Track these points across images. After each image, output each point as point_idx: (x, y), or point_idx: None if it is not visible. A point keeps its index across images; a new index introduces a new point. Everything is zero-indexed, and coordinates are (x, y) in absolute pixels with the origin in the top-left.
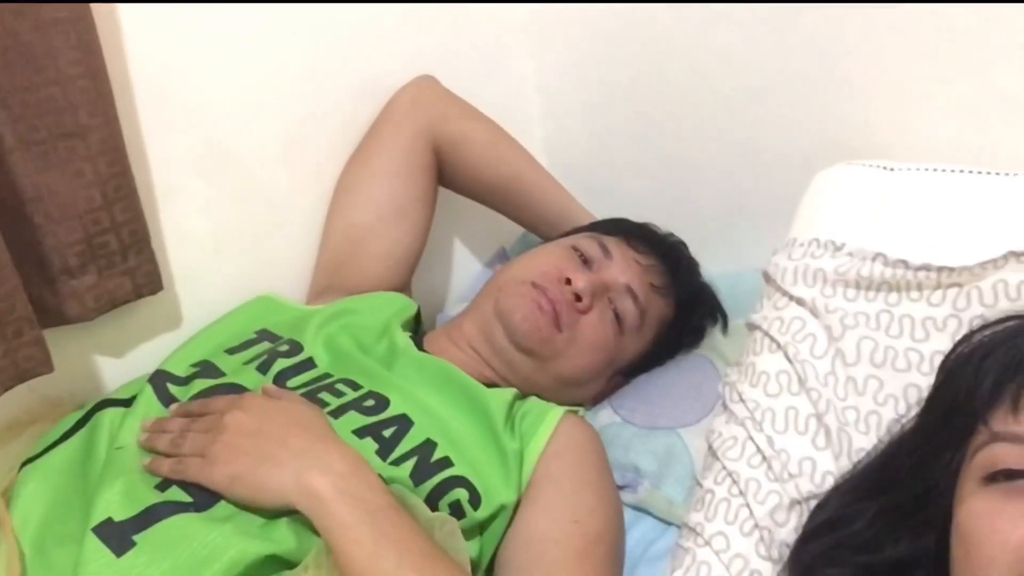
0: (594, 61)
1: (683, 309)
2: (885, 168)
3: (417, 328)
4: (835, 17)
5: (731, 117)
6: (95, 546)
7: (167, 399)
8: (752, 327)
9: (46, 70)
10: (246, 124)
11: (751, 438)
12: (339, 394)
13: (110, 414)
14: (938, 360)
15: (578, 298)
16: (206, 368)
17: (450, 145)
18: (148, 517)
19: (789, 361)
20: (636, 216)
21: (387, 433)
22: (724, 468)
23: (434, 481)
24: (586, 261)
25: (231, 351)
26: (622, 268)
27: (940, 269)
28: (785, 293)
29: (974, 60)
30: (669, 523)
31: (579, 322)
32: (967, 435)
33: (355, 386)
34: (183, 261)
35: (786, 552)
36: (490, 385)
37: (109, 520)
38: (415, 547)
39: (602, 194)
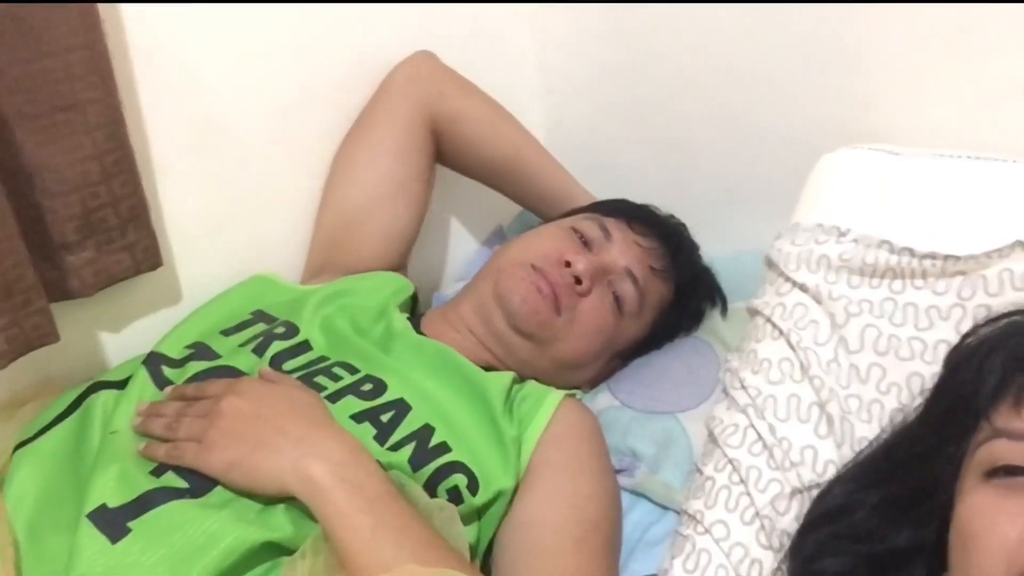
0: (595, 39)
1: (683, 292)
2: (890, 153)
3: (414, 309)
4: None
5: (733, 98)
6: (90, 532)
7: (162, 381)
8: (754, 312)
9: (43, 42)
10: (241, 101)
11: (752, 426)
12: (336, 378)
13: (103, 396)
14: (942, 349)
15: (578, 281)
16: (201, 350)
17: (448, 122)
18: (143, 503)
19: (791, 348)
20: (635, 196)
21: (385, 418)
22: (725, 455)
23: (432, 467)
24: (586, 243)
25: (226, 332)
26: (622, 250)
27: (946, 257)
28: (788, 279)
29: (981, 45)
30: (666, 507)
31: (578, 305)
32: (970, 430)
33: (352, 370)
34: (178, 239)
35: (787, 541)
36: (488, 368)
37: (104, 506)
38: (414, 534)
39: (601, 174)
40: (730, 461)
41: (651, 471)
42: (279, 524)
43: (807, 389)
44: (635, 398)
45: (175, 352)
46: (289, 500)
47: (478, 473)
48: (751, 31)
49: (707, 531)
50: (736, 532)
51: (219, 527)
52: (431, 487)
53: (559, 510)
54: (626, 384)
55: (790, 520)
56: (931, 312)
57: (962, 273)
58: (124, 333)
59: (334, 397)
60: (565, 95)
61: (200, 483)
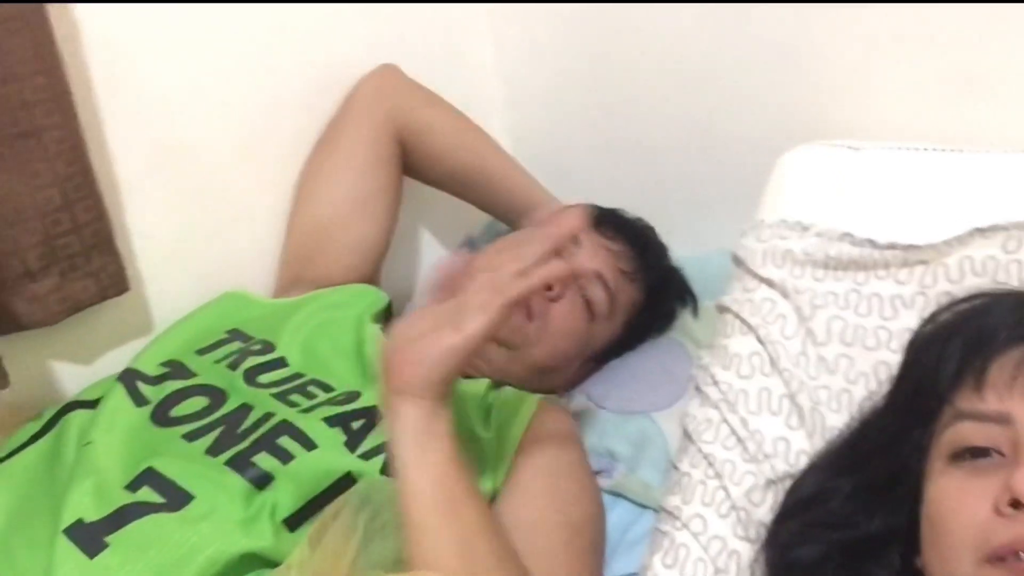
0: (555, 46)
1: (653, 293)
2: (849, 148)
3: (388, 320)
4: None
5: (692, 100)
6: (66, 548)
7: (139, 398)
8: (723, 309)
9: None
10: (204, 118)
11: (725, 420)
12: (311, 396)
13: (78, 416)
14: (907, 337)
15: (548, 287)
16: (176, 369)
17: (414, 134)
18: (120, 518)
19: (760, 343)
20: (601, 201)
21: (355, 425)
22: (699, 451)
23: None
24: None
25: (201, 351)
26: (591, 255)
27: (907, 247)
28: (755, 275)
29: (935, 37)
30: (645, 507)
31: (550, 310)
32: (934, 414)
33: (327, 388)
34: (145, 260)
35: (763, 532)
36: (464, 376)
37: (80, 521)
38: None
39: (566, 180)
40: (705, 456)
41: (629, 471)
42: (260, 533)
43: (777, 382)
44: (610, 399)
45: (150, 369)
46: (269, 510)
47: None
48: (709, 34)
49: (685, 526)
50: (713, 525)
51: (198, 539)
52: None
53: (547, 513)
54: (601, 386)
55: (765, 511)
56: (895, 301)
57: (923, 262)
58: (92, 360)
59: (308, 410)
60: (527, 104)
61: (177, 496)
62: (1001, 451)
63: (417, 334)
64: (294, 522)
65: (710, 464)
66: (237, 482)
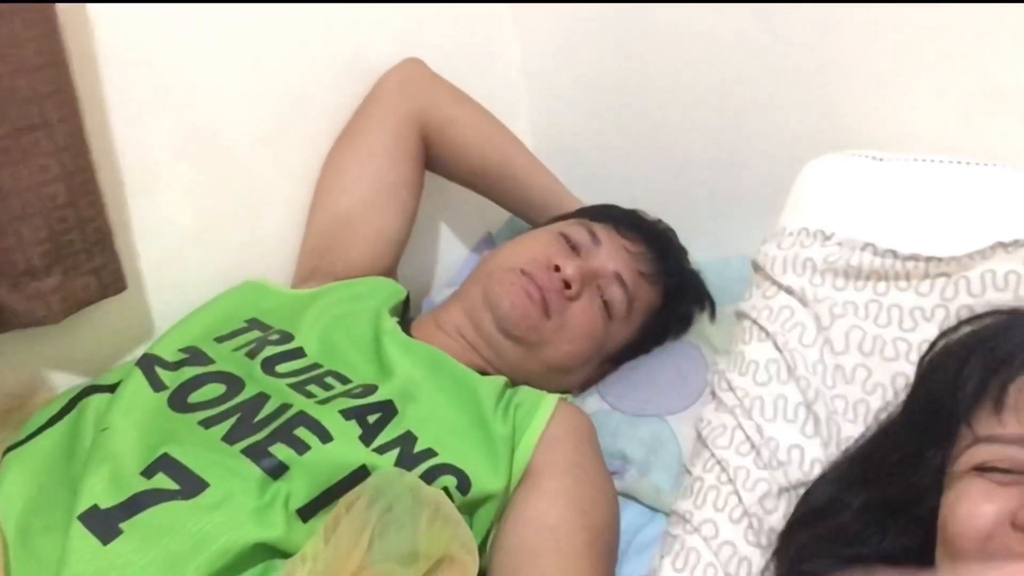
0: (581, 46)
1: (671, 296)
2: (874, 158)
3: (406, 313)
4: (823, 6)
5: (719, 103)
6: (81, 534)
7: (156, 383)
8: (741, 316)
9: (7, 60)
10: (230, 108)
11: (740, 426)
12: (328, 387)
13: (96, 400)
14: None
15: (567, 285)
16: (195, 355)
17: (437, 130)
18: (135, 504)
19: (778, 350)
20: (623, 202)
21: (371, 419)
22: (713, 456)
23: (418, 471)
24: (574, 248)
25: (220, 339)
26: (610, 255)
27: (928, 259)
28: (774, 282)
29: (963, 51)
30: (656, 510)
31: (567, 309)
32: (952, 435)
33: (344, 380)
34: (165, 248)
35: (774, 539)
36: (480, 372)
37: (95, 507)
38: None
39: (589, 180)
40: (718, 461)
41: (640, 474)
42: (273, 523)
43: (793, 390)
44: (624, 401)
45: (169, 355)
46: (283, 500)
47: (469, 472)
48: (738, 38)
49: (696, 530)
50: (725, 531)
51: (211, 528)
52: None
53: (570, 514)
54: (615, 387)
55: (778, 518)
56: (915, 313)
57: (945, 275)
58: (91, 358)
59: (325, 401)
60: (552, 102)
61: (191, 484)
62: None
63: None
64: (307, 513)
65: (723, 469)
66: (252, 471)
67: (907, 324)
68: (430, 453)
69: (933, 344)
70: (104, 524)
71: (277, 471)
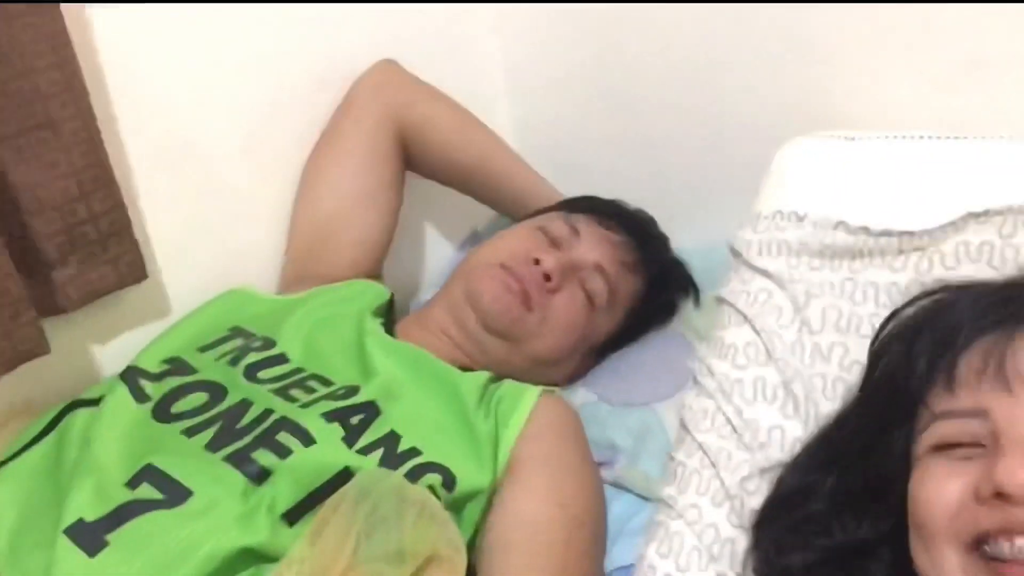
0: (558, 39)
1: (654, 285)
2: (846, 138)
3: (390, 315)
4: None
5: (697, 91)
6: (67, 547)
7: (140, 395)
8: (720, 301)
9: (13, 63)
10: (207, 115)
11: (720, 410)
12: (310, 391)
13: (80, 415)
14: None
15: (547, 278)
16: (177, 365)
17: (416, 130)
18: (119, 516)
19: (756, 333)
20: (604, 193)
21: (354, 420)
22: (695, 440)
23: (403, 471)
24: (554, 241)
25: (203, 349)
26: (591, 246)
27: (901, 234)
28: (751, 266)
29: (933, 26)
30: (647, 498)
31: (550, 302)
32: (911, 415)
33: (326, 383)
34: (151, 256)
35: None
36: (464, 369)
37: (80, 521)
38: None
39: (570, 171)
40: (700, 446)
41: (630, 463)
42: (257, 528)
43: (772, 371)
44: (612, 391)
45: (152, 366)
46: (267, 505)
47: (453, 470)
48: (712, 26)
49: (680, 515)
50: (708, 514)
51: (196, 535)
52: None
53: (548, 508)
54: (602, 378)
55: (760, 499)
56: (891, 289)
57: (919, 249)
58: (110, 346)
59: (307, 405)
60: (531, 95)
61: (176, 492)
62: (981, 444)
63: None
64: (292, 517)
65: (705, 454)
66: (235, 477)
67: (883, 300)
68: (414, 452)
69: (883, 325)
70: (90, 537)
71: (260, 477)
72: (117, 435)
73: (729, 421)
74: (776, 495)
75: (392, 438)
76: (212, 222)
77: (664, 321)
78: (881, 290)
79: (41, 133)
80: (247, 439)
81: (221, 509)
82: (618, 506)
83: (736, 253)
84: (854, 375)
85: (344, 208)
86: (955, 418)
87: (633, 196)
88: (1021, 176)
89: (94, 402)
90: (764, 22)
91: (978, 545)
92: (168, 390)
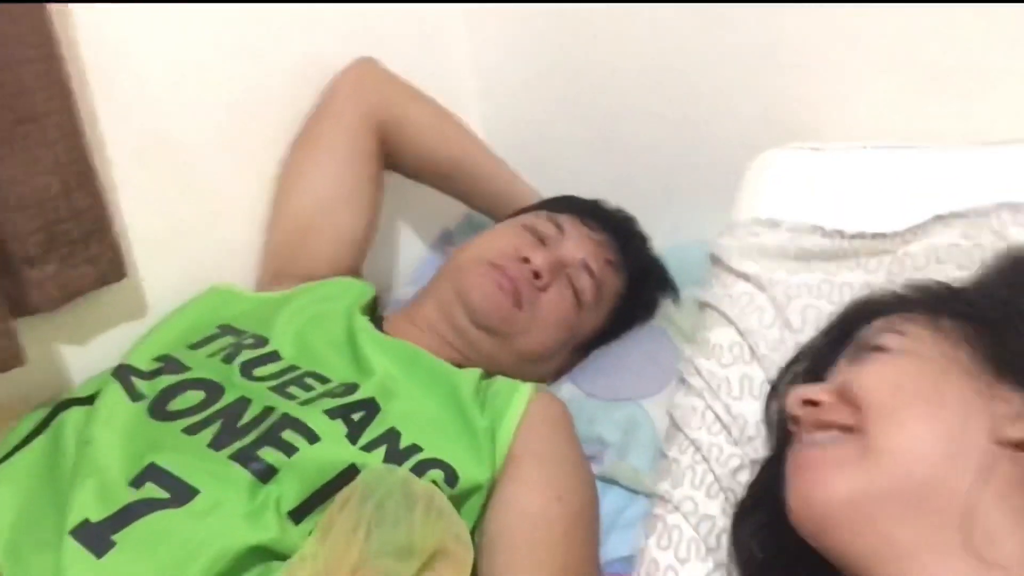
0: (532, 40)
1: (636, 282)
2: (813, 149)
3: (376, 312)
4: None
5: (669, 95)
6: (74, 549)
7: (134, 393)
8: (703, 305)
9: None
10: (184, 113)
11: (709, 407)
12: (308, 388)
13: (74, 413)
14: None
15: (537, 275)
16: (170, 363)
17: (395, 128)
18: (126, 516)
19: (740, 334)
20: (580, 194)
21: (356, 417)
22: (687, 437)
23: (406, 467)
24: (541, 239)
25: (193, 346)
26: (577, 244)
27: (874, 236)
28: (732, 271)
29: (898, 36)
30: (636, 492)
31: (539, 299)
32: None
33: (323, 380)
34: (130, 255)
35: None
36: (456, 366)
37: (86, 521)
38: None
39: (544, 173)
40: (692, 442)
41: (618, 456)
42: (266, 526)
43: (757, 369)
44: (598, 387)
45: (144, 364)
46: (274, 502)
47: (455, 465)
48: (685, 31)
49: (676, 508)
50: (703, 506)
51: (205, 534)
52: None
53: (547, 502)
54: (588, 374)
55: None
56: (865, 289)
57: (889, 252)
58: (89, 346)
59: (308, 402)
60: (503, 97)
61: (181, 491)
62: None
63: None
64: (299, 515)
65: (697, 449)
66: (242, 475)
67: None
68: (415, 448)
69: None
70: (97, 538)
71: (267, 474)
72: (115, 434)
73: (718, 418)
74: (750, 492)
75: (393, 435)
76: (190, 220)
77: (646, 318)
78: (856, 290)
79: (25, 127)
80: (251, 437)
81: (228, 507)
82: (609, 500)
83: (716, 259)
84: None
85: (324, 206)
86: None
87: (606, 197)
88: (983, 181)
89: (86, 400)
90: (737, 30)
91: None
92: (163, 388)
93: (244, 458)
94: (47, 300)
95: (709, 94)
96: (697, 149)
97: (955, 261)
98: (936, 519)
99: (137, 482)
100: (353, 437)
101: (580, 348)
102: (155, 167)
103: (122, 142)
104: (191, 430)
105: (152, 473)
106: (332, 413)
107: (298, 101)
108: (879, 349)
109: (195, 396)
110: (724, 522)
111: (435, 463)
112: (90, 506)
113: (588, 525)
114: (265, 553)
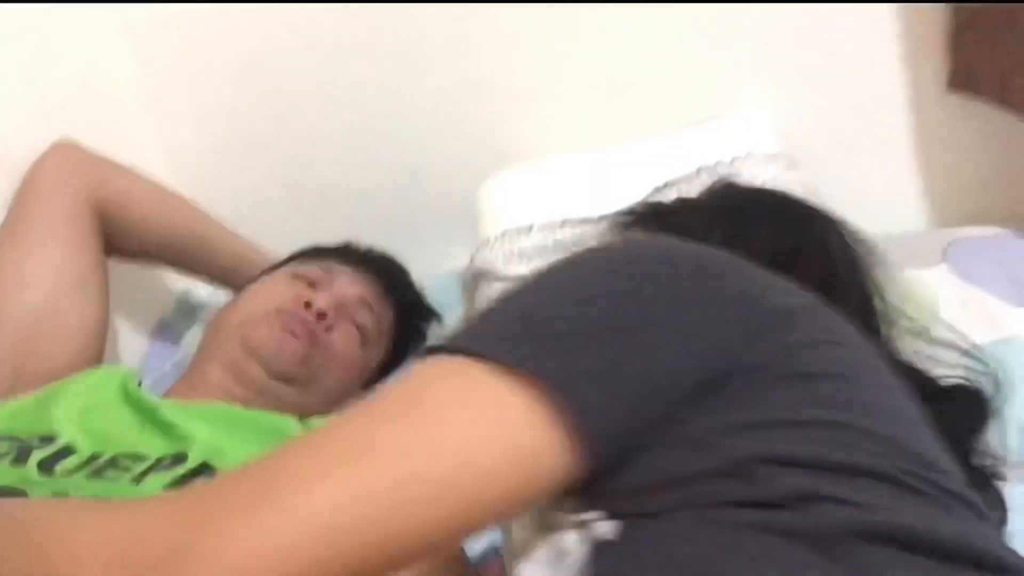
0: (218, 112)
1: (405, 314)
2: (534, 167)
3: None
4: (458, 33)
5: (386, 140)
6: None
7: None
8: None
9: None
10: None
11: None
12: (127, 469)
13: None
14: None
15: (322, 316)
16: None
17: (115, 205)
18: None
19: None
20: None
21: (199, 483)
22: None
23: None
24: (312, 284)
25: None
26: (349, 283)
27: (616, 214)
28: (502, 278)
29: (581, 56)
30: None
31: (328, 340)
32: None
33: (141, 457)
34: None
35: None
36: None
37: None
38: None
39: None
40: None
41: None
42: None
43: None
44: None
45: None
46: None
47: None
48: (387, 80)
49: None
50: None
51: None
52: None
53: None
54: None
55: None
56: None
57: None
58: None
59: (139, 479)
60: (197, 171)
61: None
62: None
63: None
64: None
65: None
66: None
67: None
68: None
69: None
70: None
71: None
72: None
73: None
74: None
75: None
76: None
77: (417, 347)
78: None
79: None
80: None
81: None
82: None
83: (482, 273)
84: None
85: (53, 299)
86: None
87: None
88: (664, 163)
89: None
90: (436, 68)
91: None
92: None
93: None
94: None
95: (426, 132)
96: (423, 185)
97: None
98: None
99: None
100: None
101: (367, 385)
102: None
103: None
104: None
105: None
106: (172, 486)
107: None
108: None
109: None
110: None
111: None
112: None
113: None
114: None
